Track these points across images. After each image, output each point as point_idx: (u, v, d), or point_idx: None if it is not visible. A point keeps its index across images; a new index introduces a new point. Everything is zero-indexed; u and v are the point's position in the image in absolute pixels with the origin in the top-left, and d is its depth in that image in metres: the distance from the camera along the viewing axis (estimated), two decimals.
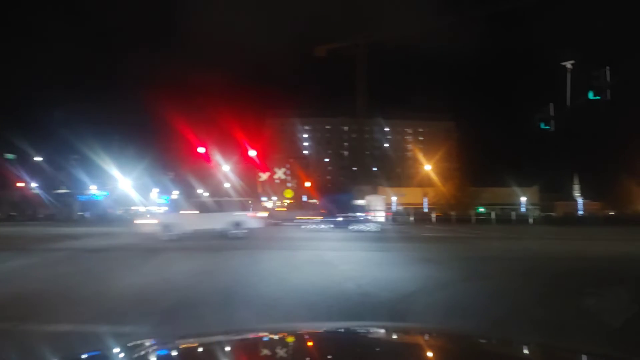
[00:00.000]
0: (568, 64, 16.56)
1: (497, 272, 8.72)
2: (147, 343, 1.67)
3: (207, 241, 15.11)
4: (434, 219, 42.91)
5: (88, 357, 1.62)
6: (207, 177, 46.47)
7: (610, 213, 52.41)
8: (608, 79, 13.64)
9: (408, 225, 35.95)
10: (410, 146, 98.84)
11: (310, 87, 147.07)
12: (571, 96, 16.78)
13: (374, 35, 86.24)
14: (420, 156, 64.56)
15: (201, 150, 29.59)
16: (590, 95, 13.81)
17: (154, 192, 66.16)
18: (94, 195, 55.78)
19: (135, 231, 16.38)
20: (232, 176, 43.79)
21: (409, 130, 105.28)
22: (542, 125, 17.94)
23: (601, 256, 12.02)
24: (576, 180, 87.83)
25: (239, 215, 17.56)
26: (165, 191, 68.02)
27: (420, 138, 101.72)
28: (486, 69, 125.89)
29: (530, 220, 42.87)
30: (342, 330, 2.04)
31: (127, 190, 54.68)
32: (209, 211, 17.42)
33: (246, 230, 17.32)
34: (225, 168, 39.78)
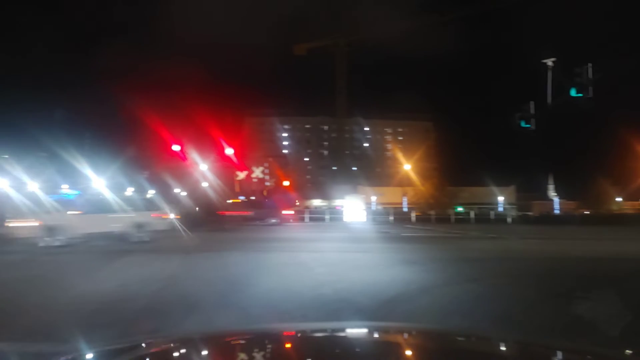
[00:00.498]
0: (549, 62, 16.35)
1: (481, 274, 8.30)
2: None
3: (166, 242, 14.33)
4: (413, 219, 42.76)
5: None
6: (183, 176, 45.41)
7: (586, 212, 53.16)
8: (590, 76, 13.42)
9: (388, 224, 35.68)
10: (389, 146, 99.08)
11: (290, 86, 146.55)
12: (552, 94, 16.59)
13: (354, 35, 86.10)
14: (400, 156, 64.60)
15: (176, 148, 28.74)
16: (573, 92, 13.58)
17: (129, 191, 64.72)
18: (65, 194, 54.00)
19: (6, 235, 13.35)
20: (209, 175, 42.86)
21: (389, 130, 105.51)
22: (523, 124, 17.74)
23: (584, 256, 11.74)
24: (551, 180, 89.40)
25: (142, 215, 15.32)
26: (140, 190, 66.64)
27: (400, 138, 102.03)
28: (466, 68, 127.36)
29: (509, 220, 43.09)
30: (342, 330, 2.04)
31: (101, 189, 53.15)
32: (105, 211, 14.88)
33: (150, 233, 15.11)
34: (202, 166, 38.85)
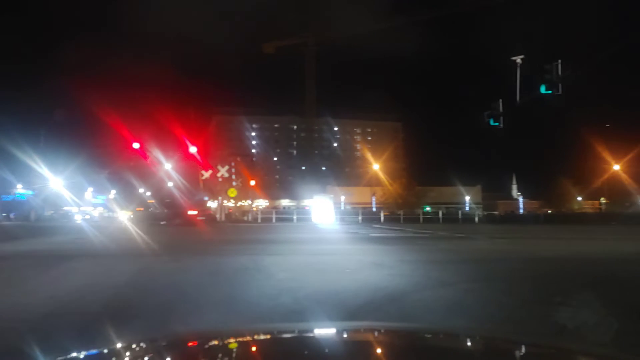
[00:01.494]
0: (518, 59, 16.19)
1: (453, 277, 7.78)
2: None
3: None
4: (382, 219, 42.61)
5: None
6: (146, 175, 43.82)
7: (549, 211, 54.39)
8: (560, 73, 13.23)
9: (356, 224, 35.29)
10: (358, 146, 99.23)
11: (259, 85, 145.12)
12: (521, 92, 16.43)
13: (324, 34, 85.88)
14: (369, 156, 64.56)
15: (136, 145, 27.45)
16: (542, 89, 13.36)
17: (89, 192, 62.15)
18: (19, 194, 51.27)
19: None
20: (173, 174, 41.43)
21: (358, 130, 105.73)
22: (492, 122, 17.56)
23: (555, 256, 11.51)
24: (514, 180, 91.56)
25: None
26: (101, 190, 64.13)
27: (369, 138, 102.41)
28: (435, 69, 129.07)
29: (476, 219, 43.55)
30: (341, 330, 2.04)
31: (58, 189, 50.75)
32: None
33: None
34: (165, 165, 37.48)
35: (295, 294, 6.24)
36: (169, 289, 6.68)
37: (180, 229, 26.00)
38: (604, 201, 55.37)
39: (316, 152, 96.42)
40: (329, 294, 6.30)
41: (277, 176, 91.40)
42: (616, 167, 49.13)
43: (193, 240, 18.49)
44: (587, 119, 58.07)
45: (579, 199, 60.89)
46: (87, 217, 48.73)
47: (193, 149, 31.00)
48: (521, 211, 61.94)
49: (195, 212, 33.07)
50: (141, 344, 1.61)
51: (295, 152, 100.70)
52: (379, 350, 1.65)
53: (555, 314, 5.27)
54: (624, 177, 49.77)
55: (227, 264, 9.54)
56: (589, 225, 35.06)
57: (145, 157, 31.13)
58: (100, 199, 67.02)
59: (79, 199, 58.11)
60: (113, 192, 64.60)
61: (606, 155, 48.04)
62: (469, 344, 1.76)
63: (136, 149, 27.66)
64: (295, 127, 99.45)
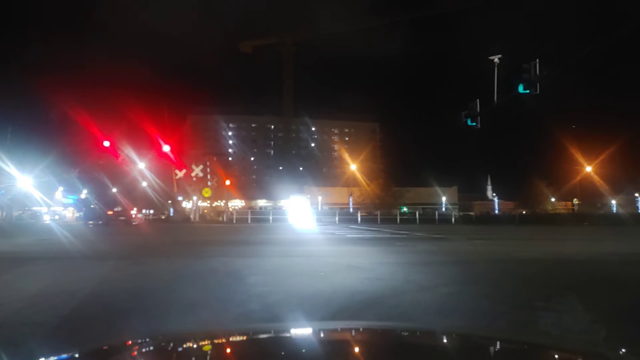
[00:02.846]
0: (495, 58, 16.10)
1: (432, 281, 7.47)
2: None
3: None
4: (359, 219, 42.43)
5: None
6: (118, 174, 42.52)
7: (523, 212, 55.12)
8: (538, 72, 13.12)
9: (333, 225, 34.98)
10: (336, 146, 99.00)
11: (237, 84, 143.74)
12: (498, 92, 16.34)
13: (301, 34, 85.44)
14: (346, 156, 64.33)
15: (106, 144, 26.48)
16: (520, 88, 13.23)
17: (59, 191, 60.20)
18: None
19: None
20: (146, 173, 40.37)
21: (336, 131, 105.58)
22: (469, 122, 17.44)
23: (534, 257, 11.36)
24: (489, 181, 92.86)
25: None
26: (72, 190, 62.18)
27: (347, 138, 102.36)
28: (413, 69, 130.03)
29: (453, 220, 43.80)
30: (341, 330, 2.05)
31: (27, 188, 48.94)
32: None
33: None
34: (138, 164, 36.44)
35: (265, 300, 5.82)
36: (127, 296, 6.16)
37: (153, 229, 25.23)
38: (577, 202, 56.48)
39: (293, 152, 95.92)
40: (302, 300, 5.90)
41: (254, 176, 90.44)
42: (588, 168, 50.13)
43: (159, 242, 17.85)
44: (561, 121, 59.22)
45: (553, 199, 61.98)
46: (57, 217, 47.13)
47: (166, 148, 30.17)
48: (497, 212, 62.74)
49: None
50: (137, 343, 1.59)
51: (272, 152, 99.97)
52: (357, 350, 1.65)
53: (538, 320, 5.00)
54: (596, 178, 50.82)
55: (195, 267, 9.03)
56: (562, 226, 35.59)
57: (116, 155, 30.17)
58: (71, 198, 65.02)
59: (49, 199, 56.32)
60: (85, 191, 62.81)
61: (579, 157, 48.98)
62: (465, 344, 1.77)
63: (106, 147, 26.71)
64: (272, 126, 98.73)
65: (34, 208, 52.03)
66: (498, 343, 1.80)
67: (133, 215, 34.32)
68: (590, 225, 36.50)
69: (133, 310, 5.24)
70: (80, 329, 4.51)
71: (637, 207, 58.42)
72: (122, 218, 33.37)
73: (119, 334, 4.26)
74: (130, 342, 1.61)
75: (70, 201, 64.55)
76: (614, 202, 56.61)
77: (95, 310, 5.38)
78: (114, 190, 41.18)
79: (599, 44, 14.19)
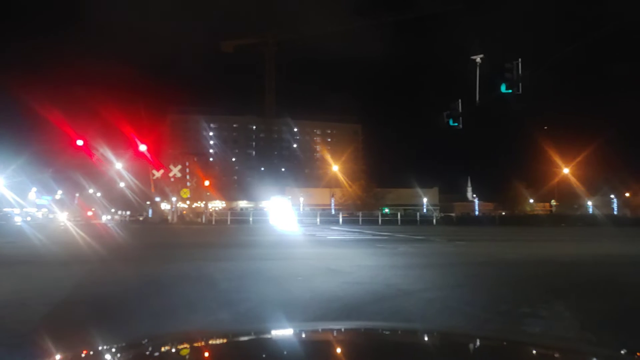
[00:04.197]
0: (477, 58, 15.96)
1: (414, 285, 7.15)
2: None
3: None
4: (340, 220, 42.17)
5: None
6: (94, 174, 41.48)
7: (503, 213, 55.63)
8: (520, 72, 12.99)
9: (314, 226, 34.62)
10: (318, 147, 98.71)
11: (218, 84, 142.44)
12: (480, 92, 16.21)
13: (284, 34, 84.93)
14: (328, 157, 64.11)
15: (79, 142, 25.62)
16: (503, 88, 13.08)
17: (32, 192, 58.63)
18: None
19: None
20: (123, 173, 39.38)
21: (318, 132, 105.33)
22: (451, 122, 17.29)
23: (516, 259, 11.19)
24: (469, 183, 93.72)
25: None
26: (46, 190, 60.55)
27: (329, 139, 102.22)
28: (395, 71, 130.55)
29: (434, 221, 43.89)
30: (341, 330, 2.02)
31: None
32: None
33: None
34: (114, 163, 35.51)
35: (237, 308, 5.42)
36: (85, 303, 5.70)
37: (128, 231, 24.50)
38: (554, 203, 57.23)
39: (275, 152, 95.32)
40: (276, 307, 5.52)
41: (235, 177, 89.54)
42: (566, 170, 50.82)
43: (132, 244, 17.25)
44: (539, 122, 59.95)
45: (531, 201, 62.71)
46: (29, 218, 45.76)
47: (143, 147, 29.40)
48: (477, 213, 63.22)
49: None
50: (139, 344, 1.59)
51: (254, 152, 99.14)
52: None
53: (525, 327, 4.73)
54: (573, 180, 51.57)
55: (165, 271, 8.57)
56: (541, 227, 35.91)
57: (90, 154, 29.27)
58: (45, 199, 63.37)
59: (22, 200, 54.76)
60: (59, 192, 61.32)
61: (557, 159, 49.61)
62: (466, 344, 1.76)
63: (80, 146, 25.86)
64: (254, 127, 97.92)
65: (5, 209, 50.44)
66: (501, 344, 1.77)
67: (90, 215, 34.11)
68: (567, 227, 36.92)
69: (85, 320, 4.78)
70: (35, 342, 4.04)
71: (613, 209, 59.54)
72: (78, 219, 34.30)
73: (65, 347, 3.81)
74: (106, 346, 1.56)
75: (45, 202, 62.90)
76: (590, 203, 57.56)
77: (50, 321, 4.90)
78: (91, 191, 40.20)
79: (577, 45, 14.15)
